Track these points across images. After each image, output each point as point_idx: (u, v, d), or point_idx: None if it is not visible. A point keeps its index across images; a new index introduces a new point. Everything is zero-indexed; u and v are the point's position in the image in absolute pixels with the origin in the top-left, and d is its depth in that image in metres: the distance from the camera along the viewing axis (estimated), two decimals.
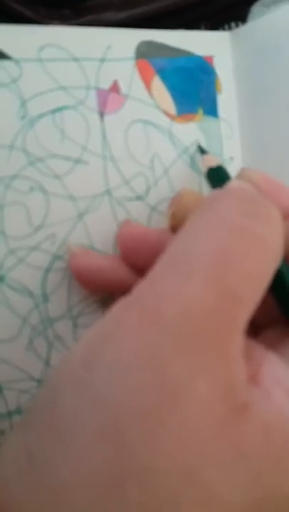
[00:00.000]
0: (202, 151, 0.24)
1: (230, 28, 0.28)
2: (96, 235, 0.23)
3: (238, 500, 0.13)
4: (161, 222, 0.24)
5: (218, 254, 0.15)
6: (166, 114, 0.25)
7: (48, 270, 0.23)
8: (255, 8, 0.27)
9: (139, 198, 0.24)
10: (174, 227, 0.22)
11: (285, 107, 0.25)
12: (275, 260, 0.16)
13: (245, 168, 0.21)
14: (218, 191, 0.19)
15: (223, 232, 0.15)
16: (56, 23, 0.26)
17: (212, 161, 0.23)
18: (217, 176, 0.22)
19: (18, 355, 0.22)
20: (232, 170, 0.26)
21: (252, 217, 0.16)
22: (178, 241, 0.16)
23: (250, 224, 0.16)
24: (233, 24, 0.28)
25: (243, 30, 0.26)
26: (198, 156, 0.25)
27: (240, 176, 0.21)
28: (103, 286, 0.22)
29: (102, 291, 0.23)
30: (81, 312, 0.23)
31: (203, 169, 0.23)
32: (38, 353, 0.23)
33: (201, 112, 0.25)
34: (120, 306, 0.15)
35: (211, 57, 0.26)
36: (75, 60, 0.23)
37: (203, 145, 0.25)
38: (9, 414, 0.22)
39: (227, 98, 0.26)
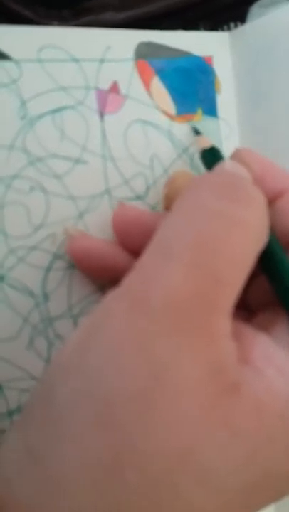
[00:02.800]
0: (196, 132, 0.24)
1: (229, 29, 0.28)
2: (96, 234, 0.23)
3: (234, 478, 0.13)
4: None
5: (197, 238, 0.15)
6: (166, 114, 0.25)
7: (48, 269, 0.23)
8: (254, 9, 0.27)
9: (138, 197, 0.24)
10: (168, 209, 0.22)
11: (283, 107, 0.25)
12: (258, 242, 0.16)
13: (240, 149, 0.21)
14: (198, 176, 0.19)
15: (201, 217, 0.16)
16: (56, 24, 0.26)
17: (205, 143, 0.23)
18: (211, 157, 0.22)
19: (18, 355, 0.22)
20: None
21: (230, 201, 0.16)
22: (162, 228, 0.16)
23: (228, 207, 0.16)
24: (232, 24, 0.28)
25: (242, 30, 0.26)
26: (197, 155, 0.25)
27: (234, 156, 0.21)
28: (101, 270, 0.22)
29: (100, 274, 0.23)
30: (81, 311, 0.23)
31: (198, 150, 0.23)
32: (38, 352, 0.23)
33: (200, 112, 0.25)
34: (110, 297, 0.15)
35: (210, 58, 0.26)
36: (75, 60, 0.23)
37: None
38: (10, 413, 0.22)
39: (226, 98, 0.26)
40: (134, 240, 0.22)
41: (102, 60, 0.24)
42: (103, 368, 0.13)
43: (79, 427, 0.13)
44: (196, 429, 0.13)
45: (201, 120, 0.25)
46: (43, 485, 0.13)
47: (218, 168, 0.20)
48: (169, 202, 0.22)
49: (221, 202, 0.16)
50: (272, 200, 0.19)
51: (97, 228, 0.23)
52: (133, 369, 0.13)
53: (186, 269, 0.14)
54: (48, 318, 0.23)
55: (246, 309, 0.19)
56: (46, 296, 0.23)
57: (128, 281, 0.15)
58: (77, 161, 0.23)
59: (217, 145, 0.25)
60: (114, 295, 0.15)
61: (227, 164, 0.20)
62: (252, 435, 0.13)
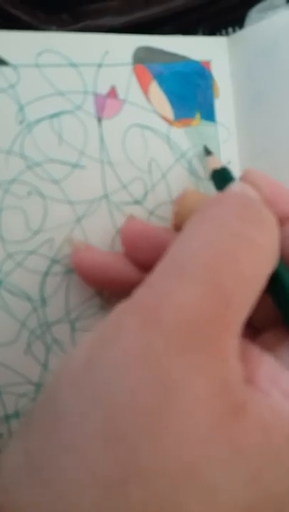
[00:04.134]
0: (208, 152, 0.25)
1: (227, 33, 0.28)
2: (94, 239, 0.23)
3: (239, 498, 0.13)
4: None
5: (212, 258, 0.15)
6: (164, 118, 0.25)
7: (46, 274, 0.23)
8: (252, 14, 0.27)
9: (136, 202, 0.24)
10: (177, 226, 0.22)
11: (282, 111, 0.25)
12: (270, 264, 0.16)
13: (249, 170, 0.21)
14: (215, 196, 0.19)
15: (217, 237, 0.16)
16: (54, 29, 0.26)
17: (216, 163, 0.23)
18: (221, 178, 0.22)
19: (16, 359, 0.22)
20: None
21: (246, 222, 0.16)
22: (175, 246, 0.16)
23: (243, 229, 0.16)
24: (230, 29, 0.28)
25: (240, 35, 0.26)
26: (195, 160, 0.25)
27: (244, 178, 0.21)
28: (105, 282, 0.22)
29: (103, 287, 0.23)
30: (79, 316, 0.23)
31: (208, 171, 0.23)
32: (36, 356, 0.23)
33: (198, 116, 0.25)
34: (121, 310, 0.15)
35: (208, 62, 0.26)
36: (73, 65, 0.23)
37: (201, 150, 0.25)
38: (7, 418, 0.22)
39: (224, 102, 0.26)
40: (141, 253, 0.22)
41: (100, 65, 0.24)
42: (112, 383, 0.13)
43: (83, 440, 0.13)
44: (201, 448, 0.13)
45: (199, 125, 0.25)
46: (43, 495, 0.13)
47: (229, 190, 0.20)
48: (179, 219, 0.22)
49: (239, 223, 0.16)
50: (281, 223, 0.19)
51: (95, 233, 0.23)
52: (143, 385, 0.13)
53: (199, 289, 0.15)
54: (45, 323, 0.23)
55: (250, 326, 0.19)
56: (44, 301, 0.23)
57: (139, 296, 0.15)
58: (75, 165, 0.23)
59: (215, 149, 0.25)
60: (124, 309, 0.15)
61: (237, 186, 0.20)
62: (257, 455, 0.13)
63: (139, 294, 0.15)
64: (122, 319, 0.15)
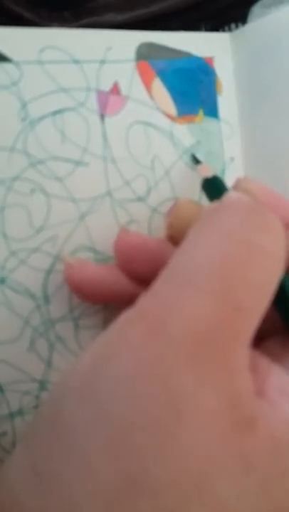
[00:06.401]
0: (196, 161, 0.24)
1: (230, 29, 0.28)
2: (97, 236, 0.23)
3: (246, 509, 0.13)
4: (162, 224, 0.24)
5: (222, 267, 0.15)
6: (167, 115, 0.25)
7: (49, 272, 0.23)
8: (255, 9, 0.27)
9: (140, 199, 0.24)
10: (172, 237, 0.22)
11: (285, 108, 0.25)
12: (279, 270, 0.16)
13: (242, 179, 0.21)
14: (218, 203, 0.19)
15: (226, 245, 0.15)
16: (56, 25, 0.26)
17: (207, 172, 0.23)
18: (213, 187, 0.22)
19: (19, 357, 0.22)
20: (232, 170, 0.26)
21: (254, 229, 0.16)
22: (180, 254, 0.16)
23: (252, 235, 0.15)
24: (233, 25, 0.28)
25: (243, 31, 0.26)
26: (198, 156, 0.25)
27: (237, 187, 0.20)
28: (101, 298, 0.22)
29: (98, 301, 0.23)
30: (82, 313, 0.23)
31: (199, 179, 0.23)
32: (39, 354, 0.23)
33: (201, 113, 0.25)
34: (124, 319, 0.15)
35: (211, 59, 0.26)
36: (76, 62, 0.23)
37: (204, 146, 0.25)
38: (11, 415, 0.22)
39: (227, 99, 0.26)
40: (136, 265, 0.21)
41: (102, 61, 0.23)
42: (118, 395, 0.13)
43: (90, 451, 0.13)
44: (211, 460, 0.13)
45: (202, 121, 0.25)
46: (50, 506, 0.13)
47: (225, 198, 0.19)
48: (173, 231, 0.21)
49: (247, 229, 0.16)
50: None
51: (98, 230, 0.23)
52: (149, 397, 0.13)
53: (207, 298, 0.14)
54: (48, 321, 0.23)
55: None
56: (47, 299, 0.23)
57: (142, 306, 0.15)
58: (78, 162, 0.23)
59: (218, 146, 0.25)
60: (128, 318, 0.15)
61: (233, 195, 0.19)
62: (266, 468, 0.13)
63: (143, 303, 0.15)
64: (126, 329, 0.14)
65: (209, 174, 0.22)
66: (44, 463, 0.13)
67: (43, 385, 0.23)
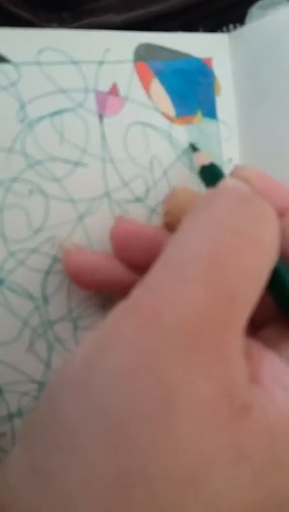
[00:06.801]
0: (194, 148, 0.24)
1: (228, 30, 0.28)
2: (96, 237, 0.23)
3: (243, 500, 0.13)
4: (160, 224, 0.24)
5: (213, 256, 0.15)
6: (165, 116, 0.25)
7: (48, 272, 0.23)
8: (253, 11, 0.27)
9: (138, 199, 0.24)
10: (168, 225, 0.22)
11: (283, 109, 0.25)
12: (271, 259, 0.16)
13: (239, 166, 0.21)
14: (211, 191, 0.19)
15: (218, 234, 0.15)
16: (55, 26, 0.26)
17: (204, 159, 0.23)
18: (210, 174, 0.22)
19: (18, 358, 0.22)
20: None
21: (247, 217, 0.16)
22: (173, 244, 0.16)
23: (244, 224, 0.16)
24: (231, 26, 0.28)
25: (242, 32, 0.26)
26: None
27: (234, 173, 0.20)
28: (97, 284, 0.22)
29: (96, 288, 0.23)
30: (81, 314, 0.23)
31: (196, 167, 0.23)
32: (38, 355, 0.23)
33: (199, 113, 0.25)
34: (118, 312, 0.15)
35: (209, 60, 0.26)
36: (74, 62, 0.23)
37: (202, 147, 0.25)
38: (10, 416, 0.22)
39: (226, 100, 0.26)
40: (132, 253, 0.21)
41: (101, 62, 0.23)
42: (113, 388, 0.13)
43: (86, 445, 0.13)
44: (206, 451, 0.13)
45: (200, 122, 0.25)
46: (48, 499, 0.13)
47: (222, 184, 0.19)
48: (170, 218, 0.21)
49: (239, 218, 0.16)
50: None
51: (97, 231, 0.23)
52: (145, 390, 0.13)
53: (200, 287, 0.14)
54: (47, 321, 0.23)
55: (250, 321, 0.19)
56: (46, 299, 0.23)
57: (136, 298, 0.15)
58: (77, 163, 0.23)
59: (216, 147, 0.25)
60: (122, 310, 0.15)
61: (229, 182, 0.19)
62: (261, 457, 0.13)
63: (137, 295, 0.15)
64: (120, 321, 0.14)
65: (206, 162, 0.22)
66: (42, 458, 0.13)
67: (42, 385, 0.23)
